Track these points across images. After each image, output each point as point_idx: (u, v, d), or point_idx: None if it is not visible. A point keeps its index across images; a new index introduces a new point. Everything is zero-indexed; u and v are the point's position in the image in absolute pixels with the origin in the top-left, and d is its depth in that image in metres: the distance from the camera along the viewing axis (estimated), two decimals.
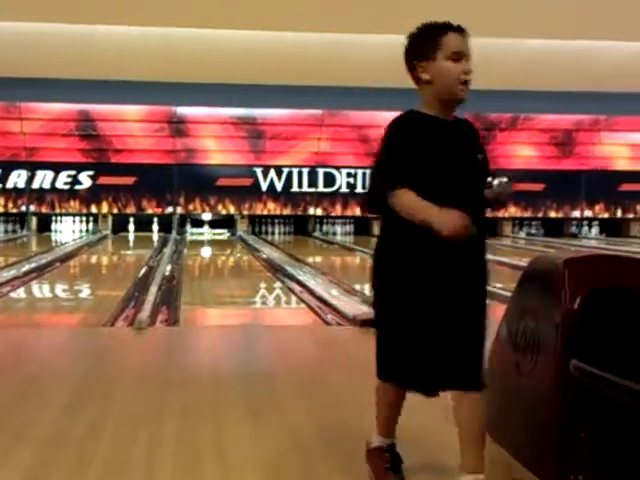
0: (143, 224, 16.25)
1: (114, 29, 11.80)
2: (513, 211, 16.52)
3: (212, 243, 15.29)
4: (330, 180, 16.46)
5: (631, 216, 17.32)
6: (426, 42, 2.40)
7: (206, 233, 16.50)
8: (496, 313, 3.18)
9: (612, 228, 17.27)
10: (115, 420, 3.32)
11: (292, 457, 2.90)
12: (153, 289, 7.37)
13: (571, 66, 13.22)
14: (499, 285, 7.54)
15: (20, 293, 7.88)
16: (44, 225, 15.96)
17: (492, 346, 3.12)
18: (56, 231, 16.01)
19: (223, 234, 16.42)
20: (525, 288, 2.84)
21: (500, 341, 3.03)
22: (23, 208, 15.77)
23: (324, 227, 16.75)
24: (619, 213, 17.26)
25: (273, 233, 16.51)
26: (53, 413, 3.40)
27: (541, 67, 13.02)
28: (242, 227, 16.23)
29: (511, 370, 2.85)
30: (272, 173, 16.24)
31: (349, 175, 16.48)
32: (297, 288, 7.88)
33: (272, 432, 3.16)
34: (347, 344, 5.16)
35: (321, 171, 16.40)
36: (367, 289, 8.60)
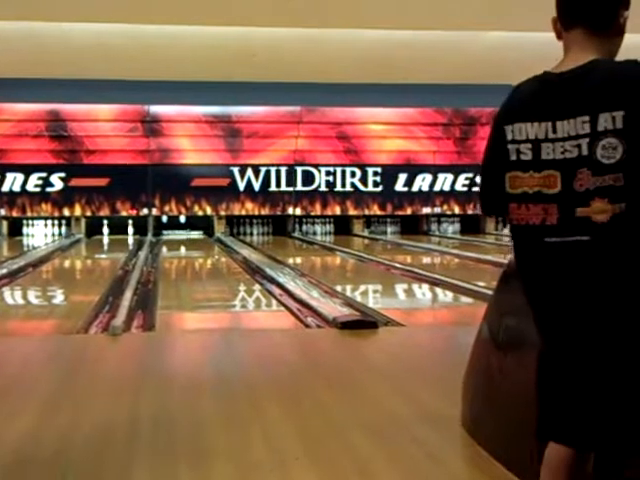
0: (117, 227, 16.02)
1: (83, 26, 11.56)
2: None
3: (189, 245, 15.11)
4: (309, 179, 16.31)
5: None
6: None
7: (182, 235, 16.30)
8: (479, 313, 3.11)
9: None
10: (88, 429, 3.24)
11: (270, 465, 2.85)
12: (128, 294, 7.21)
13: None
14: (481, 284, 7.47)
15: None
16: (15, 229, 15.67)
17: (473, 346, 3.07)
18: (28, 235, 15.74)
19: (200, 235, 16.25)
20: (506, 286, 2.80)
21: (481, 341, 2.99)
22: None
23: (303, 227, 16.61)
24: None
25: (252, 234, 16.36)
26: (25, 423, 3.32)
27: (525, 62, 12.95)
28: (220, 228, 16.05)
29: (492, 370, 2.82)
30: (249, 172, 16.07)
31: (328, 173, 16.34)
32: (276, 290, 7.74)
33: (251, 440, 3.09)
34: (327, 347, 5.09)
35: (300, 170, 16.25)
36: (348, 290, 8.51)
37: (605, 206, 1.80)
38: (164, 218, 16.31)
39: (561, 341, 1.93)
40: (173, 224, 16.42)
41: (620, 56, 1.95)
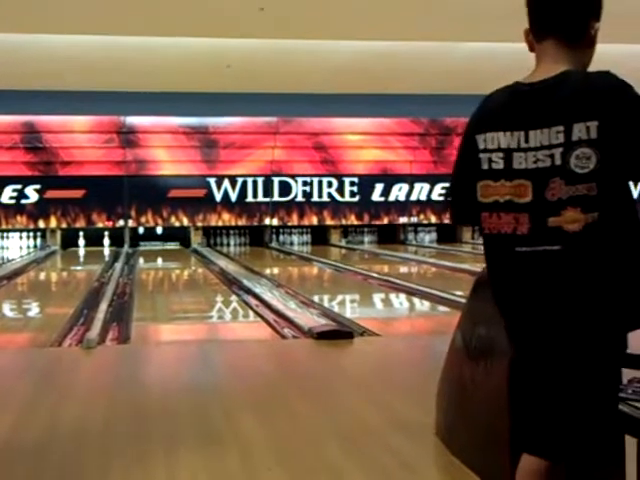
0: (93, 238, 15.91)
1: (58, 38, 11.51)
2: None
3: (166, 256, 15.04)
4: (286, 189, 16.31)
5: None
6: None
7: (159, 246, 16.22)
8: (455, 322, 3.13)
9: None
10: (62, 444, 3.21)
11: (244, 476, 2.84)
12: (103, 306, 7.18)
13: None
14: (458, 293, 7.48)
15: None
16: None
17: (446, 355, 3.08)
18: (2, 247, 15.59)
19: (176, 246, 16.18)
20: (478, 295, 2.82)
21: (454, 350, 3.00)
22: None
23: (281, 237, 16.59)
24: None
25: (228, 244, 16.31)
26: None
27: (500, 72, 13.07)
28: (196, 239, 15.99)
29: (465, 379, 2.82)
30: (226, 183, 16.04)
31: (305, 184, 16.35)
32: (253, 301, 7.73)
33: (225, 450, 3.07)
34: (303, 357, 5.09)
35: (276, 180, 16.25)
36: (325, 300, 8.50)
37: (578, 215, 1.80)
38: (140, 229, 16.23)
39: (532, 351, 1.92)
40: (150, 235, 16.34)
41: (593, 66, 1.97)
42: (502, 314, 2.01)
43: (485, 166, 1.94)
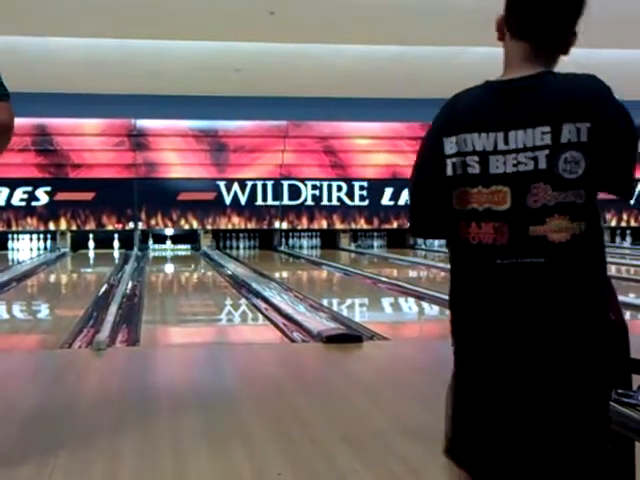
0: (103, 241, 15.96)
1: (69, 41, 11.56)
2: None
3: (175, 259, 15.07)
4: (295, 193, 16.33)
5: None
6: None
7: (168, 249, 16.26)
8: None
9: None
10: (71, 445, 3.19)
11: None
12: (113, 308, 7.19)
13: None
14: None
15: None
16: (0, 243, 15.60)
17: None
18: (13, 249, 15.66)
19: (186, 250, 16.22)
20: None
21: None
22: None
23: (290, 241, 16.60)
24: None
25: (238, 248, 16.34)
26: (7, 439, 3.26)
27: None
28: (206, 242, 16.03)
29: None
30: (236, 186, 16.08)
31: (314, 187, 16.37)
32: (262, 305, 7.72)
33: (233, 455, 3.05)
34: (312, 361, 5.08)
35: (286, 184, 16.28)
36: (334, 304, 8.50)
37: (566, 224, 1.67)
38: (150, 232, 16.27)
39: (496, 376, 1.81)
40: (159, 238, 16.38)
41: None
42: (462, 334, 1.85)
43: (459, 171, 1.79)
